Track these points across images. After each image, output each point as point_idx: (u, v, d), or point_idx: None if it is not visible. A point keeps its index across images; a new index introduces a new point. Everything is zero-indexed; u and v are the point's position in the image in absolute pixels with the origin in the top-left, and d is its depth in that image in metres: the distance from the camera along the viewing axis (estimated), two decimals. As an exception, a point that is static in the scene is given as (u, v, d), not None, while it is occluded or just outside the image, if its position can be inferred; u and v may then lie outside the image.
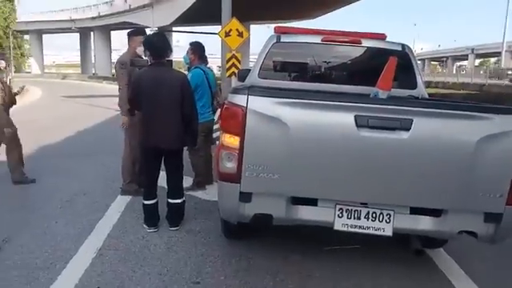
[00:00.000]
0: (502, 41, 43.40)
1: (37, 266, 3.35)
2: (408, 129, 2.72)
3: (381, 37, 4.77)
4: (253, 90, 2.94)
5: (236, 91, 3.01)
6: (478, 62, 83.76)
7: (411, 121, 2.72)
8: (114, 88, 5.22)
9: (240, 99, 2.85)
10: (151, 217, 4.15)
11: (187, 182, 5.15)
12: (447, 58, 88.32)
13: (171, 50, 4.07)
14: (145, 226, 4.14)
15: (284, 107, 2.79)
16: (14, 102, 5.75)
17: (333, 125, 2.78)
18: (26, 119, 12.96)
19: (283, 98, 2.85)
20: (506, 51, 49.71)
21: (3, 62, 5.89)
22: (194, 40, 5.46)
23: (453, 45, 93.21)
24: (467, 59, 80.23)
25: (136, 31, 5.19)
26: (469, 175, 2.76)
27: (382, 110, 2.78)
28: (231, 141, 2.89)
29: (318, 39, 4.56)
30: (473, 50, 75.44)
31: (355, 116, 2.74)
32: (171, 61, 4.43)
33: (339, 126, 2.77)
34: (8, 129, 5.51)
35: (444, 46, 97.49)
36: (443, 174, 2.79)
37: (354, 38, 4.55)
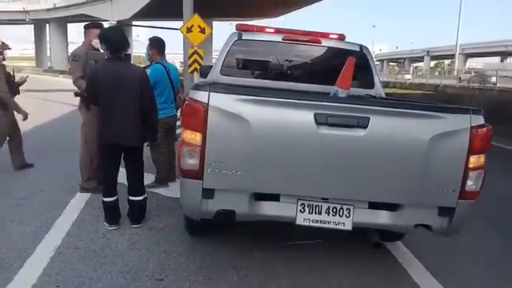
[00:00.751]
0: (456, 44, 45.33)
1: (-9, 266, 3.23)
2: (365, 126, 2.82)
3: (340, 37, 4.89)
4: (214, 87, 2.95)
5: (197, 87, 3.00)
6: (433, 63, 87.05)
7: (368, 119, 2.82)
8: (70, 82, 5.13)
9: (201, 96, 2.85)
10: (112, 214, 4.07)
11: (149, 179, 5.10)
12: (404, 59, 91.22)
13: (129, 45, 4.02)
14: (105, 223, 4.07)
15: (245, 104, 2.83)
16: (17, 92, 5.97)
17: (293, 122, 2.83)
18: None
19: (245, 95, 2.89)
20: (459, 53, 51.92)
21: (7, 52, 6.11)
22: (154, 35, 5.43)
23: (410, 46, 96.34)
24: (423, 61, 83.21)
25: (92, 24, 5.13)
26: (423, 171, 2.89)
27: (340, 109, 2.86)
28: (192, 137, 2.89)
29: (278, 38, 4.65)
30: (428, 52, 78.29)
31: (315, 114, 2.81)
32: (129, 55, 4.36)
33: (299, 124, 2.83)
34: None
35: (401, 47, 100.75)
36: (399, 170, 2.91)
37: (314, 37, 4.66)
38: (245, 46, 4.72)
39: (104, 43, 3.95)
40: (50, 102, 16.95)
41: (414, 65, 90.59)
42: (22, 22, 65.40)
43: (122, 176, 4.18)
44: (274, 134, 2.84)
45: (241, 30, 4.77)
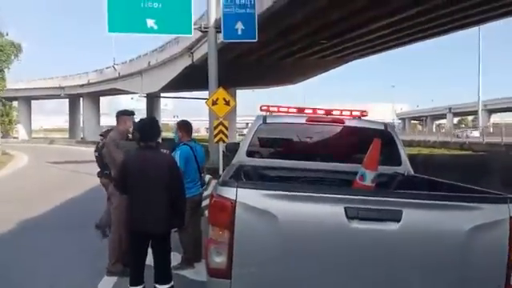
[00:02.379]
0: (478, 100, 45.23)
1: None
2: (398, 220, 2.72)
3: (362, 114, 4.96)
4: (242, 183, 2.95)
5: (225, 183, 2.97)
6: (456, 120, 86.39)
7: (401, 212, 2.72)
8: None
9: (229, 192, 2.81)
10: (138, 302, 3.99)
11: (175, 258, 5.03)
12: (426, 117, 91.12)
13: (160, 134, 4.22)
14: (131, 311, 3.98)
15: (273, 199, 2.78)
16: None
17: (323, 217, 2.77)
18: (13, 188, 12.79)
19: (272, 190, 2.87)
20: (482, 110, 51.48)
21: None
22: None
23: (430, 104, 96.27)
24: (445, 118, 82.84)
25: (124, 111, 5.42)
26: (462, 266, 2.73)
27: (371, 202, 2.80)
28: (220, 234, 2.82)
29: (302, 120, 4.74)
30: (450, 109, 78.21)
31: (345, 208, 2.74)
32: (159, 143, 4.49)
33: (330, 218, 2.76)
34: None
35: (422, 105, 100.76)
36: (436, 266, 2.76)
37: (338, 118, 4.74)
38: (269, 128, 4.84)
39: (138, 131, 4.14)
40: (82, 173, 17.21)
41: (437, 122, 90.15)
42: (58, 96, 69.30)
43: (149, 258, 4.12)
44: (304, 229, 2.77)
45: (265, 111, 4.92)
